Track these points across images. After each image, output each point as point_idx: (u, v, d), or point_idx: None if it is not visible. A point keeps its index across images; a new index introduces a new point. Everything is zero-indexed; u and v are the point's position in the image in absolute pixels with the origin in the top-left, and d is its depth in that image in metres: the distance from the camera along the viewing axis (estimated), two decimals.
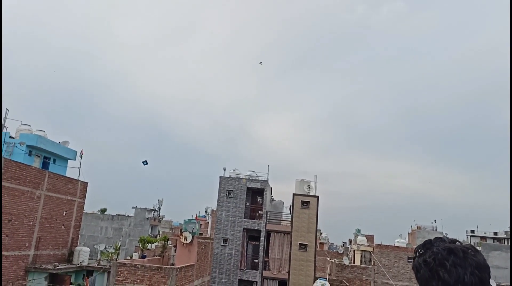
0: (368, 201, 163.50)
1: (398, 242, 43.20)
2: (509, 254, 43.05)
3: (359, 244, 42.86)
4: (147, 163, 26.34)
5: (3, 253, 24.70)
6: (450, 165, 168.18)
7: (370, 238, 55.42)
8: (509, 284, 36.53)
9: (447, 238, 1.79)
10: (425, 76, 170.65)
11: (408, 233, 68.88)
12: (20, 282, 26.30)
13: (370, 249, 40.22)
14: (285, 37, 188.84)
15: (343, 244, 74.84)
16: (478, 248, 1.79)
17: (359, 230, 63.77)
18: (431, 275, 1.67)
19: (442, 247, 1.71)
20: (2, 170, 24.17)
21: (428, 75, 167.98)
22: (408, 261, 36.67)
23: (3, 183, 24.28)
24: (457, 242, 1.74)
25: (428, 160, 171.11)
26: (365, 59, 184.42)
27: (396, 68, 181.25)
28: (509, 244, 63.07)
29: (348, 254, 48.57)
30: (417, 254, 1.80)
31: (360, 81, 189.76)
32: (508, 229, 64.98)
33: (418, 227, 66.13)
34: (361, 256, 40.51)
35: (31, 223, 27.27)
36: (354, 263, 40.76)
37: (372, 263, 37.18)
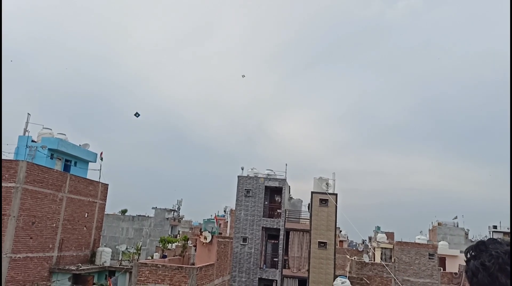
0: (388, 198, 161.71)
1: (418, 238, 42.69)
2: None
3: (379, 242, 42.53)
4: (139, 115, 26.71)
5: (27, 254, 25.29)
6: (471, 160, 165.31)
7: (390, 235, 54.92)
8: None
9: (502, 239, 1.68)
10: (445, 70, 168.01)
11: (429, 230, 67.99)
12: (45, 283, 26.88)
13: (391, 246, 39.87)
14: (301, 35, 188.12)
15: (363, 242, 74.36)
16: None
17: (379, 228, 63.28)
18: (491, 281, 1.56)
19: (502, 251, 1.60)
20: (26, 173, 24.73)
21: (448, 69, 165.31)
22: (429, 258, 36.24)
23: (26, 186, 24.85)
24: None
25: (448, 156, 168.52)
26: (383, 55, 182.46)
27: (415, 63, 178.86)
28: None
29: (368, 252, 48.25)
30: (469, 256, 1.68)
31: (378, 77, 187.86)
32: None
33: (439, 224, 65.20)
34: (381, 253, 40.20)
35: (54, 225, 27.83)
36: (374, 260, 40.48)
37: (393, 260, 36.86)
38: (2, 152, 26.39)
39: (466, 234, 64.04)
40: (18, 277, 24.54)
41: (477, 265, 1.62)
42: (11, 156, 27.29)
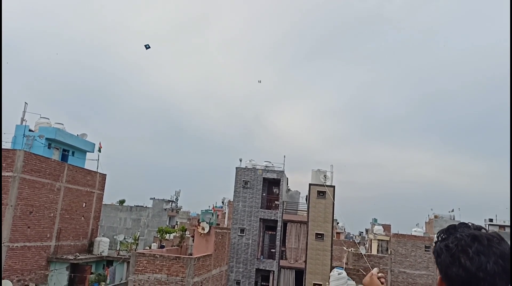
0: (385, 190, 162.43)
1: (415, 231, 42.95)
2: None
3: (376, 234, 42.75)
4: (149, 47, 26.74)
5: (25, 243, 25.32)
6: (468, 153, 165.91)
7: (387, 228, 55.21)
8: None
9: (473, 224, 1.73)
10: (443, 64, 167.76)
11: (425, 222, 68.35)
12: (43, 272, 26.95)
13: (387, 238, 40.10)
14: (299, 27, 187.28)
15: (360, 234, 74.74)
16: None
17: (375, 220, 63.57)
18: (451, 261, 1.62)
19: (466, 234, 1.66)
20: (23, 163, 24.67)
21: (447, 63, 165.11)
22: (425, 250, 36.46)
23: (24, 176, 24.81)
24: (483, 230, 1.69)
25: (445, 149, 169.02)
26: (381, 47, 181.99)
27: (413, 56, 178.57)
28: None
29: (364, 244, 48.52)
30: (439, 239, 1.74)
31: (376, 70, 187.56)
32: None
33: (436, 216, 65.53)
34: (378, 245, 40.43)
35: (52, 214, 27.83)
36: (370, 252, 40.71)
37: (389, 252, 37.08)
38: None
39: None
40: (16, 266, 24.59)
41: (441, 246, 1.70)
42: (8, 145, 27.23)
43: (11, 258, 24.10)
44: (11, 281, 22.98)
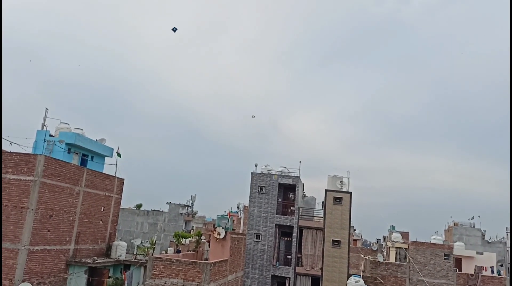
0: (403, 197, 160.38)
1: (434, 239, 42.24)
2: None
3: (394, 241, 42.21)
4: (176, 29, 27.02)
5: (45, 247, 25.73)
6: (488, 159, 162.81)
7: (405, 235, 54.47)
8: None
9: None
10: (462, 68, 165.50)
11: (445, 230, 67.26)
12: (62, 275, 27.33)
13: (405, 246, 39.54)
14: (315, 31, 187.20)
15: (377, 241, 73.86)
16: None
17: (393, 227, 62.78)
18: None
19: None
20: (44, 167, 25.14)
21: (465, 66, 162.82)
22: (445, 259, 35.85)
23: (44, 180, 25.26)
24: None
25: (464, 155, 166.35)
26: (397, 51, 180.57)
27: (431, 60, 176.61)
28: None
29: (382, 251, 47.95)
30: None
31: (393, 73, 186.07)
32: None
33: (455, 224, 64.45)
34: (396, 253, 39.91)
35: (71, 218, 28.25)
36: (388, 260, 40.20)
37: (408, 260, 36.57)
38: (21, 146, 26.87)
39: (483, 235, 63.22)
40: (36, 269, 24.98)
41: None
42: (29, 150, 27.74)
43: (31, 261, 24.51)
44: (31, 284, 23.37)
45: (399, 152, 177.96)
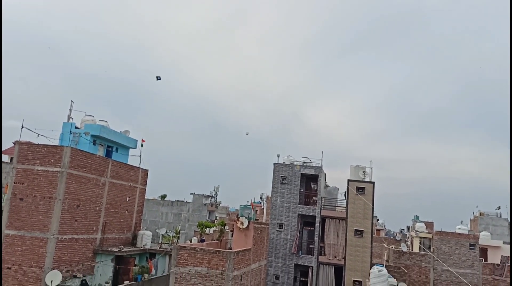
0: (427, 187, 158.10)
1: (459, 228, 41.60)
2: None
3: (418, 231, 41.76)
4: (159, 79, 27.60)
5: (73, 236, 26.47)
6: None
7: (429, 225, 53.81)
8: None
9: None
10: (489, 55, 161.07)
11: (470, 220, 66.11)
12: (89, 263, 28.11)
13: (429, 235, 39.09)
14: (337, 22, 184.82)
15: (401, 231, 73.21)
16: None
17: (417, 217, 62.10)
18: None
19: None
20: (70, 159, 25.77)
21: (491, 54, 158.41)
22: (470, 249, 35.31)
23: (71, 171, 25.91)
24: None
25: (490, 144, 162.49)
26: (421, 40, 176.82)
27: (456, 49, 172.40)
28: None
29: (406, 241, 47.51)
30: None
31: (417, 63, 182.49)
32: None
33: (481, 214, 63.23)
34: (420, 242, 39.50)
35: (98, 208, 28.94)
36: (412, 250, 39.84)
37: (432, 250, 36.18)
38: (48, 138, 27.55)
39: (510, 224, 61.86)
40: (65, 257, 25.77)
41: None
42: (56, 142, 28.43)
43: (60, 249, 25.28)
44: (60, 271, 24.11)
45: (423, 142, 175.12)
